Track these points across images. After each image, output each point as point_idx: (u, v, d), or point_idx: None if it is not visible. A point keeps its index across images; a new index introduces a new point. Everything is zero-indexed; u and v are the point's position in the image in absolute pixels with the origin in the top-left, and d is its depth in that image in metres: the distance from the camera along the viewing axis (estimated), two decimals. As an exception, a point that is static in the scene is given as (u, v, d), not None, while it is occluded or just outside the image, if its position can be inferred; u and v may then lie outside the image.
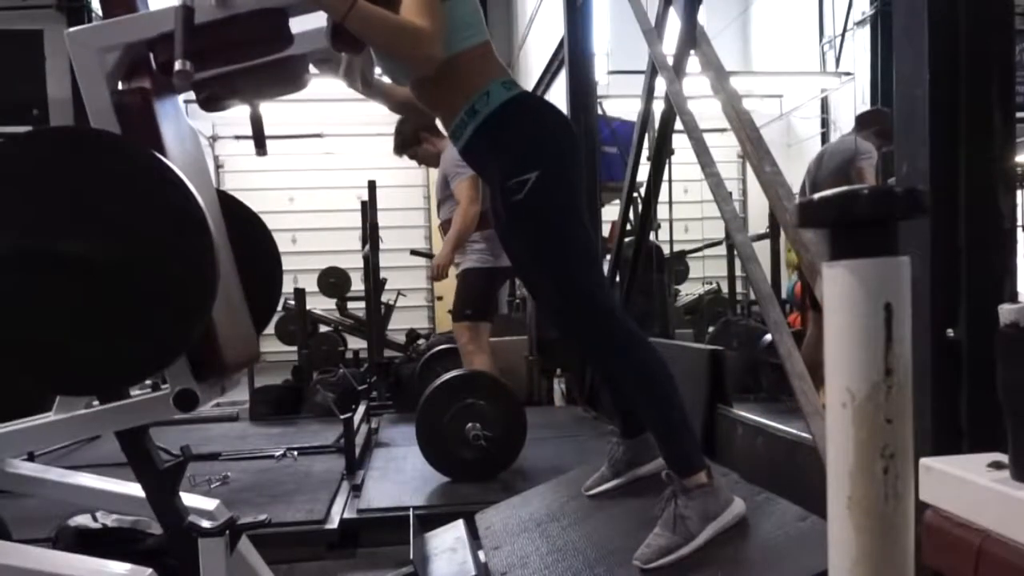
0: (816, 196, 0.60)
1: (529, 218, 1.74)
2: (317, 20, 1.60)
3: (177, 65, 1.34)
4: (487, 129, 1.75)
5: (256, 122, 1.73)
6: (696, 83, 3.09)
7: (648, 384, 1.75)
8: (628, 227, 4.07)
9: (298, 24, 1.53)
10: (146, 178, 1.25)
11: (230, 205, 1.71)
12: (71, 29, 1.40)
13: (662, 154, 3.47)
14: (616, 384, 2.04)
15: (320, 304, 7.00)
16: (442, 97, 1.80)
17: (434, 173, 4.06)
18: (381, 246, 5.02)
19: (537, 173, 1.69)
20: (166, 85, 1.46)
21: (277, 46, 1.49)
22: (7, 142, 1.26)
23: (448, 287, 3.94)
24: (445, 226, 3.83)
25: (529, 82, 7.31)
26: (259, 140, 1.74)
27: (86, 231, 1.22)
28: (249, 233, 1.71)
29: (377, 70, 1.98)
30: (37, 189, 1.23)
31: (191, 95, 1.53)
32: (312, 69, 1.72)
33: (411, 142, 3.89)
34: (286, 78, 1.60)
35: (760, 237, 5.59)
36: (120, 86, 1.43)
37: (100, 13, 6.86)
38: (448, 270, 3.80)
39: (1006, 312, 0.89)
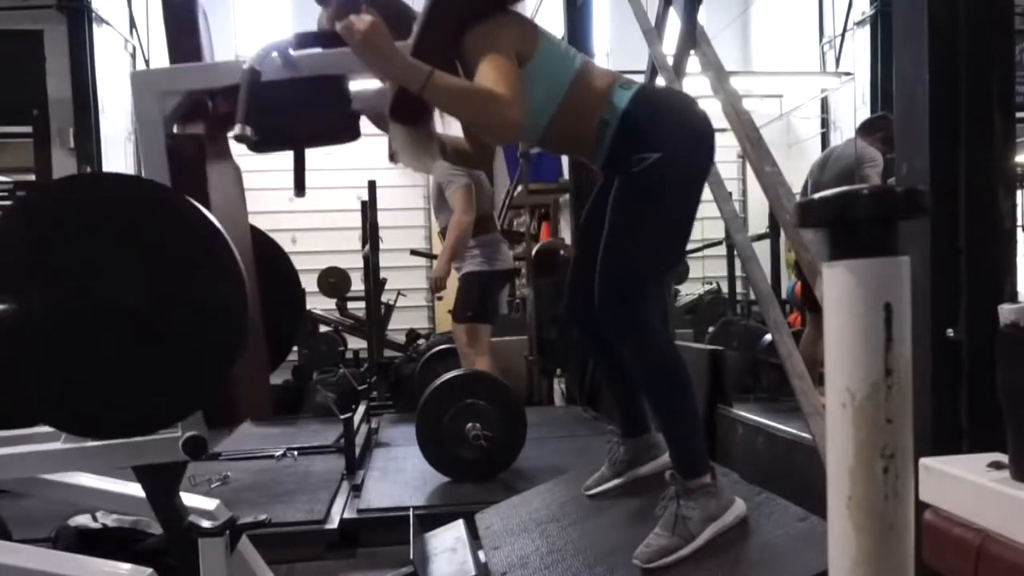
0: (816, 196, 0.59)
1: (635, 190, 1.70)
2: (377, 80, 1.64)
3: (237, 129, 1.40)
4: (621, 133, 1.71)
5: (299, 164, 1.75)
6: (696, 83, 3.09)
7: (667, 382, 1.74)
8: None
9: (358, 83, 1.58)
10: (190, 233, 1.26)
11: (256, 239, 1.71)
12: (135, 70, 1.46)
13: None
14: (632, 378, 2.01)
15: (320, 304, 6.98)
16: (576, 137, 1.77)
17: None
18: (381, 246, 5.02)
19: (659, 155, 1.66)
20: (219, 128, 1.50)
21: (336, 112, 1.56)
22: (56, 185, 1.26)
23: (448, 289, 3.96)
24: (444, 233, 3.84)
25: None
26: (299, 182, 1.77)
27: (125, 281, 1.23)
28: (273, 269, 1.71)
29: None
30: (80, 236, 1.24)
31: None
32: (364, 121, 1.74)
33: None
34: (339, 132, 1.62)
35: (760, 237, 5.58)
36: (175, 128, 1.47)
37: (99, 13, 6.75)
38: (446, 281, 3.82)
39: (1006, 312, 0.89)
